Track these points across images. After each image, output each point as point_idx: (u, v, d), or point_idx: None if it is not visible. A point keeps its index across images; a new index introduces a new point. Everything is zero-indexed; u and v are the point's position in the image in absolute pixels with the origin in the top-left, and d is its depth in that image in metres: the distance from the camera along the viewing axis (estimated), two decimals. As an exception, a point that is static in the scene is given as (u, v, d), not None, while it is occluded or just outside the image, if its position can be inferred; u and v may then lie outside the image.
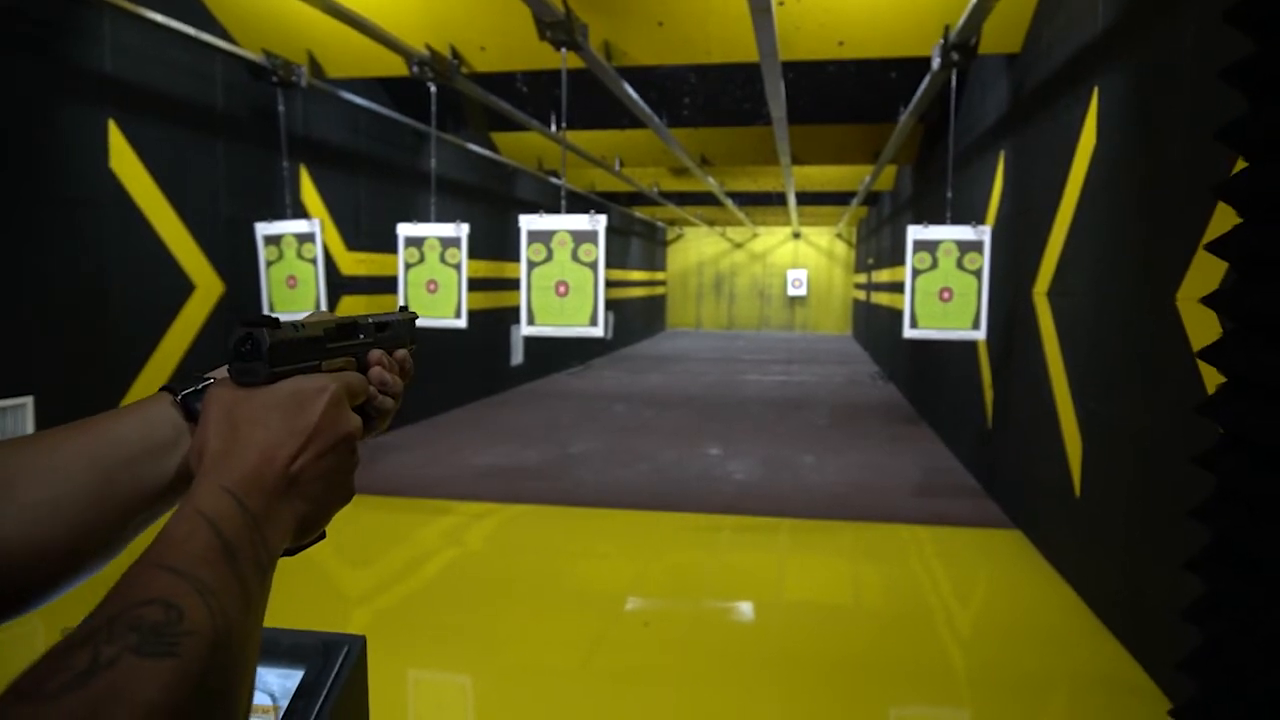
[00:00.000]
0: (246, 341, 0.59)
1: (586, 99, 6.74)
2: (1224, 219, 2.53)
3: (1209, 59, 2.72)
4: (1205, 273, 2.63)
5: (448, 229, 5.54)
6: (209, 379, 0.64)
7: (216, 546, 0.50)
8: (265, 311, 5.54)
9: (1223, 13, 1.03)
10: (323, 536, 0.63)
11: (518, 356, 10.87)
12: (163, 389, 0.65)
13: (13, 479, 0.56)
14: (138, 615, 0.44)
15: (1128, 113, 3.44)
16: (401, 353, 0.74)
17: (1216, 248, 1.06)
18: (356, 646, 0.71)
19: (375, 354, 0.71)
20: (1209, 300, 1.09)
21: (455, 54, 5.62)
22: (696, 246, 23.43)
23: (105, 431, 0.60)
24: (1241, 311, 1.02)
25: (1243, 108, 1.05)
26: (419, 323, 0.80)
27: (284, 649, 0.69)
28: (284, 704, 0.66)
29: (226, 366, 0.62)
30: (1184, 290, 2.78)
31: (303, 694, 0.66)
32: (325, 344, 0.65)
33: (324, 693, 0.66)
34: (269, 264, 5.54)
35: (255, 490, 0.55)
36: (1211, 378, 2.57)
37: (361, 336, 0.70)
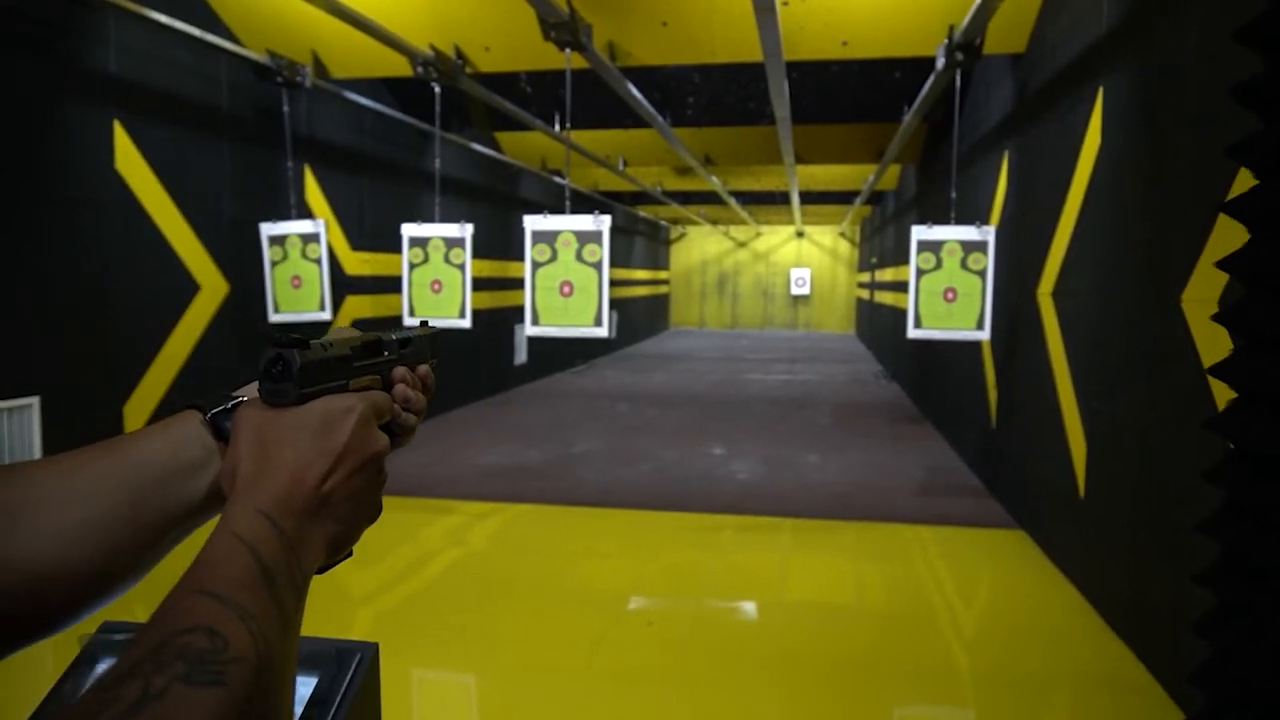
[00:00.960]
0: (277, 363, 0.59)
1: (590, 99, 6.73)
2: (1229, 222, 2.53)
3: (1214, 60, 2.72)
4: (1210, 275, 2.63)
5: (452, 229, 5.54)
6: (237, 398, 0.65)
7: (255, 570, 0.51)
8: (269, 312, 5.55)
9: (1233, 32, 1.03)
10: (350, 554, 0.64)
11: (521, 356, 10.88)
12: (191, 407, 0.64)
13: (42, 501, 0.56)
14: (184, 643, 0.45)
15: (1132, 113, 3.43)
16: (424, 368, 0.75)
17: (1227, 264, 1.06)
18: (369, 654, 0.72)
19: (399, 371, 0.72)
20: (1219, 317, 1.09)
21: (460, 54, 5.63)
22: (700, 245, 23.43)
23: (134, 451, 0.60)
24: (1250, 327, 1.03)
25: (1247, 116, 1.05)
26: (438, 337, 0.80)
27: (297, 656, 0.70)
28: (298, 711, 0.67)
29: (255, 384, 0.62)
30: (1189, 291, 2.78)
31: (316, 702, 0.67)
32: (352, 363, 0.65)
33: (337, 700, 0.67)
34: (274, 264, 5.55)
35: (288, 512, 0.56)
36: (1217, 380, 2.57)
37: (386, 354, 0.71)
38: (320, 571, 0.60)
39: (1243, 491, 1.00)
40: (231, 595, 0.48)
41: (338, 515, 0.59)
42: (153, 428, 0.63)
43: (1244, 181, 2.06)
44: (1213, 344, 2.60)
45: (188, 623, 0.46)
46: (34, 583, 0.54)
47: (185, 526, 0.62)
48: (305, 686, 0.68)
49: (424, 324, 0.79)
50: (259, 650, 0.47)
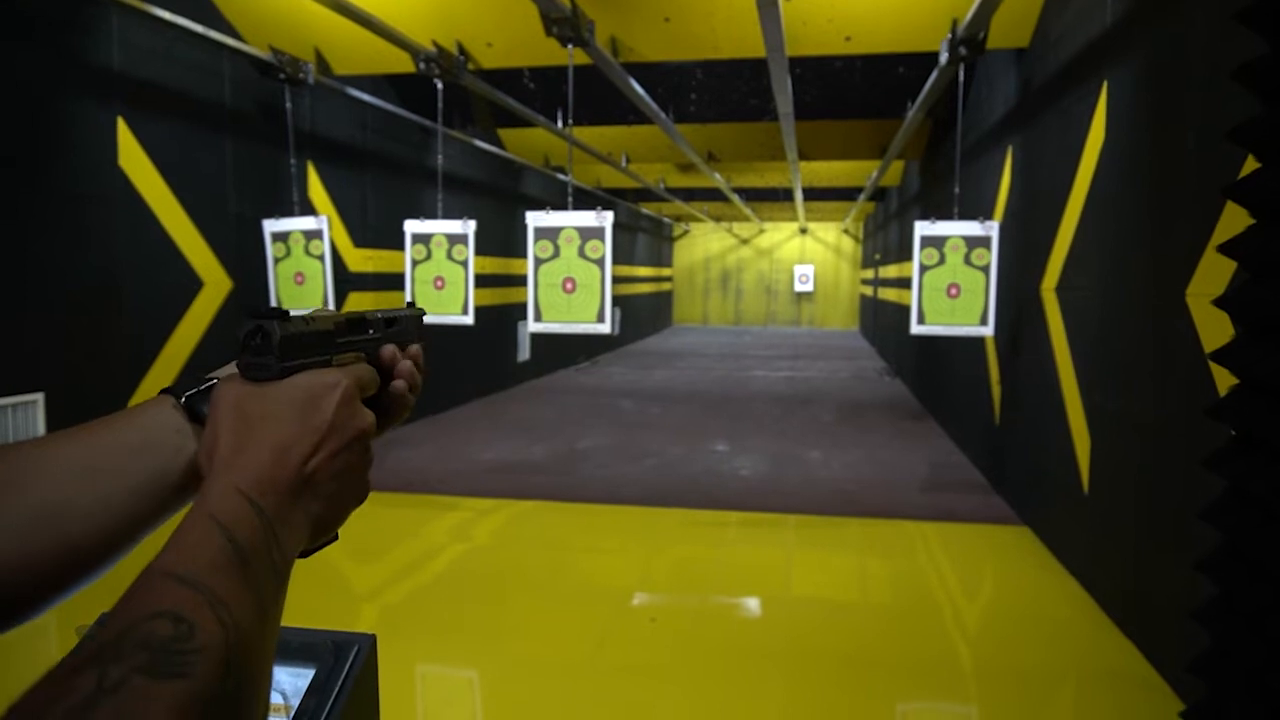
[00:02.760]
0: (256, 334, 0.57)
1: (593, 95, 6.73)
2: (1234, 215, 2.52)
3: (1219, 52, 2.71)
4: (1215, 269, 2.62)
5: (454, 226, 5.54)
6: (212, 379, 0.62)
7: (229, 553, 0.48)
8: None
9: (1235, 13, 1.02)
10: (335, 538, 0.61)
11: (524, 352, 10.89)
12: (164, 391, 0.62)
13: (15, 485, 0.53)
14: (147, 631, 0.42)
15: (1137, 107, 3.42)
16: (415, 348, 0.72)
17: (1229, 249, 1.05)
18: (366, 645, 0.71)
19: (388, 349, 0.69)
20: (1221, 302, 1.08)
21: (462, 50, 5.62)
22: (703, 242, 23.41)
23: (109, 435, 0.58)
24: (1253, 313, 1.02)
25: (1255, 102, 1.05)
26: (424, 319, 0.79)
27: (295, 648, 0.70)
28: (295, 703, 0.67)
29: (233, 363, 0.60)
30: (1193, 286, 2.77)
31: (314, 692, 0.67)
32: (335, 338, 0.63)
33: (335, 691, 0.67)
34: (277, 261, 5.56)
35: (269, 491, 0.53)
36: (1221, 374, 2.56)
37: (371, 331, 0.68)
38: (304, 555, 0.58)
39: (1244, 479, 0.99)
40: (202, 579, 0.46)
41: (322, 494, 0.56)
42: (127, 411, 0.60)
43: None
44: (1217, 338, 2.58)
45: (152, 608, 0.43)
46: (8, 566, 0.51)
47: (162, 512, 0.59)
48: (302, 678, 0.68)
49: (410, 305, 0.77)
50: (229, 640, 0.44)
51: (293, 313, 0.60)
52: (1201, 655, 1.02)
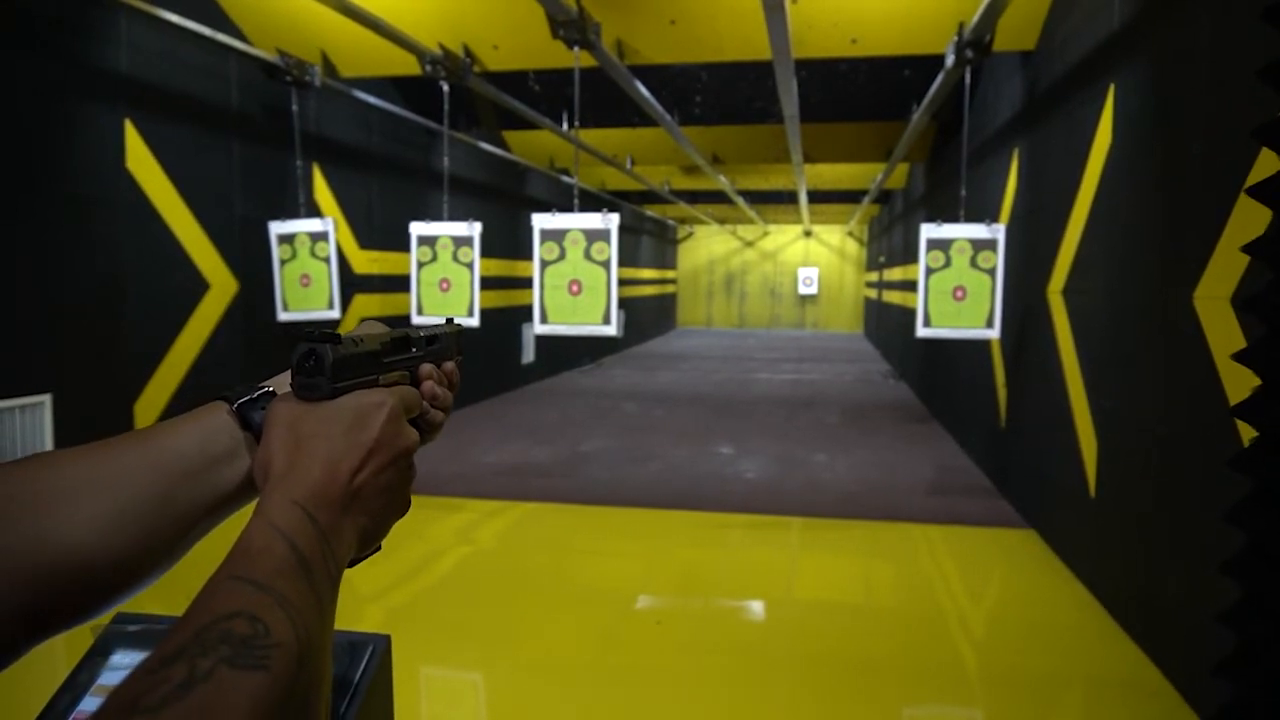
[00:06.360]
0: (310, 357, 0.61)
1: (598, 98, 6.74)
2: (1243, 217, 2.51)
3: (1226, 55, 2.70)
4: (1223, 271, 2.61)
5: (460, 228, 5.55)
6: (263, 388, 0.66)
7: (292, 560, 0.52)
8: (278, 310, 5.57)
9: (1263, 10, 1.02)
10: (379, 549, 0.65)
11: (529, 354, 10.89)
12: (218, 398, 0.65)
13: (75, 490, 0.56)
14: (225, 628, 0.45)
15: (1144, 109, 3.42)
16: (449, 365, 0.76)
17: (1253, 249, 1.05)
18: (381, 646, 0.72)
19: (426, 368, 0.73)
20: (1247, 304, 1.08)
21: (468, 53, 5.63)
22: (707, 245, 23.42)
23: (165, 442, 0.61)
24: (1275, 312, 1.02)
25: (1274, 103, 1.04)
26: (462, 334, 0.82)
27: (310, 648, 0.70)
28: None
29: (279, 376, 0.63)
30: (1201, 289, 2.77)
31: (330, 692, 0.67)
32: (382, 359, 0.67)
33: (350, 691, 0.67)
34: (283, 263, 5.57)
35: (322, 504, 0.56)
36: (1230, 377, 2.56)
37: (414, 350, 0.72)
38: (350, 565, 0.61)
39: (1269, 480, 0.99)
40: (271, 583, 0.49)
41: (369, 508, 0.60)
42: (181, 419, 0.64)
43: (1259, 175, 2.04)
44: (1225, 341, 2.58)
45: (229, 608, 0.47)
46: (68, 571, 0.54)
47: (215, 517, 0.62)
48: (318, 677, 0.68)
49: (449, 321, 0.81)
50: (299, 638, 0.47)
51: (342, 334, 0.63)
52: (1227, 658, 1.02)
